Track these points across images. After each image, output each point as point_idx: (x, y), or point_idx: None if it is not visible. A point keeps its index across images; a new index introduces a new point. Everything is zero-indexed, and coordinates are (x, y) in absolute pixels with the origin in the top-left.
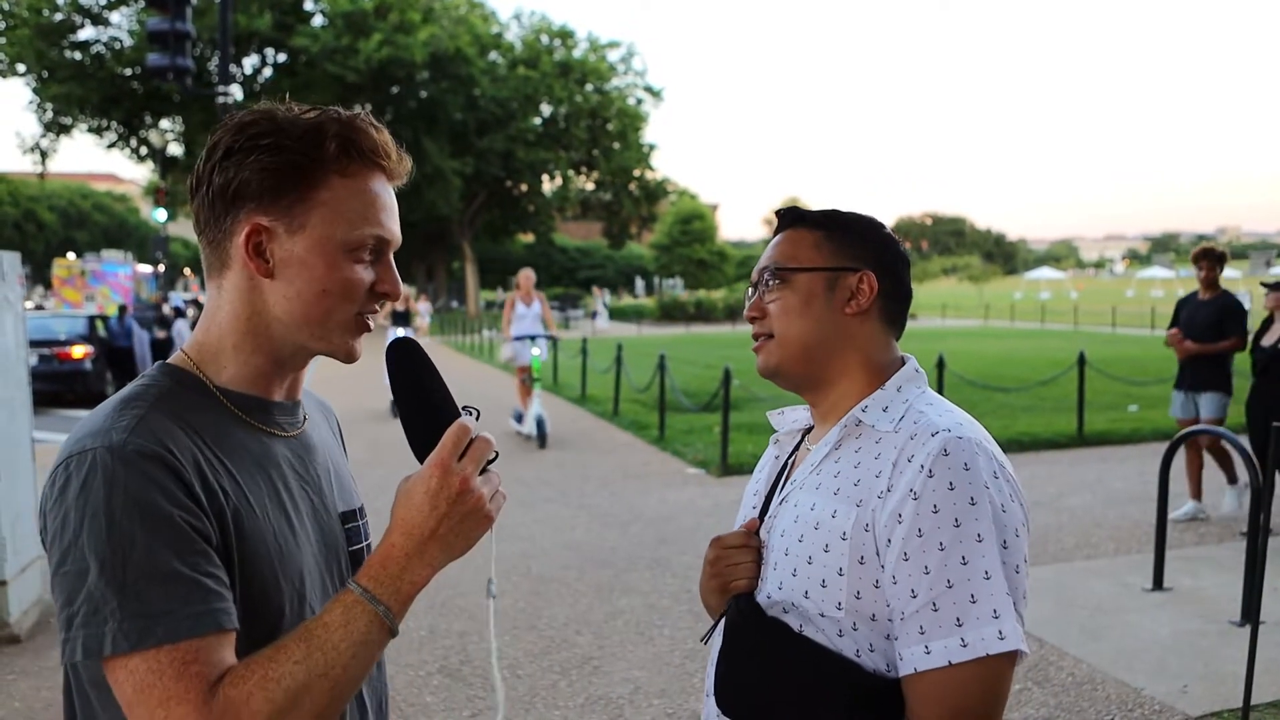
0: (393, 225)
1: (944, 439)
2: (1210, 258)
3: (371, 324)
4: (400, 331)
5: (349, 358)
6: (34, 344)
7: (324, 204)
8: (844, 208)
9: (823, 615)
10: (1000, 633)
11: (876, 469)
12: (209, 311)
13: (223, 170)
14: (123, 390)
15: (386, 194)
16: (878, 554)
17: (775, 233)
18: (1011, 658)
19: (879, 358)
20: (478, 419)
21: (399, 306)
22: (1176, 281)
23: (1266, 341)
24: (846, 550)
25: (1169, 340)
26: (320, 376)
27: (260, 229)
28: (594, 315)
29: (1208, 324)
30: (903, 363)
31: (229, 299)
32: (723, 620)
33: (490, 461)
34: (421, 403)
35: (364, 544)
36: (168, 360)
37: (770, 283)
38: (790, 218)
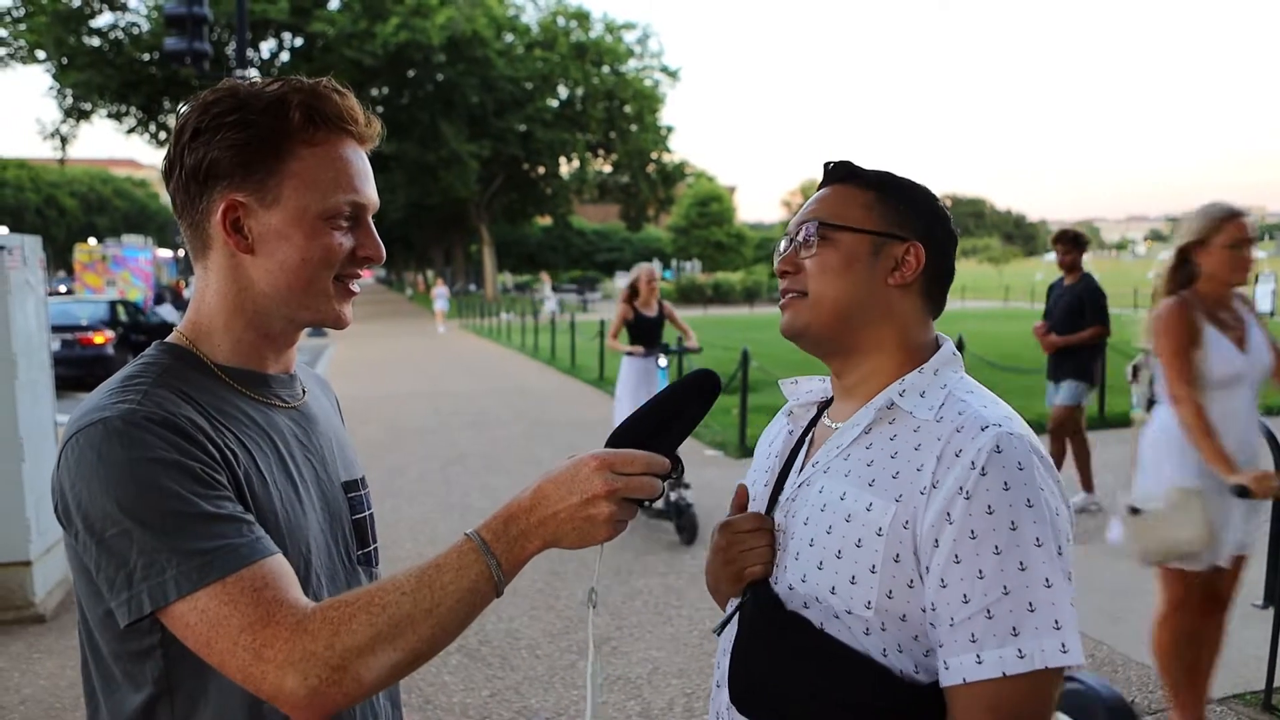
0: (367, 189)
1: (995, 434)
2: (1066, 240)
3: (356, 288)
4: (662, 361)
5: (338, 323)
6: (56, 329)
7: (295, 175)
8: (899, 171)
9: (849, 612)
10: (1063, 646)
11: (918, 461)
12: (198, 292)
13: (193, 151)
14: (123, 369)
15: (358, 159)
16: (915, 553)
17: (822, 185)
18: (1063, 669)
19: (916, 336)
20: (677, 474)
21: (648, 312)
22: None
23: None
24: (881, 547)
25: (1035, 333)
26: (345, 361)
27: (236, 205)
28: (541, 301)
29: (1068, 311)
30: (938, 344)
31: (215, 278)
32: (737, 611)
33: (642, 502)
34: (656, 422)
35: (366, 513)
36: (165, 340)
37: (810, 238)
38: (841, 172)
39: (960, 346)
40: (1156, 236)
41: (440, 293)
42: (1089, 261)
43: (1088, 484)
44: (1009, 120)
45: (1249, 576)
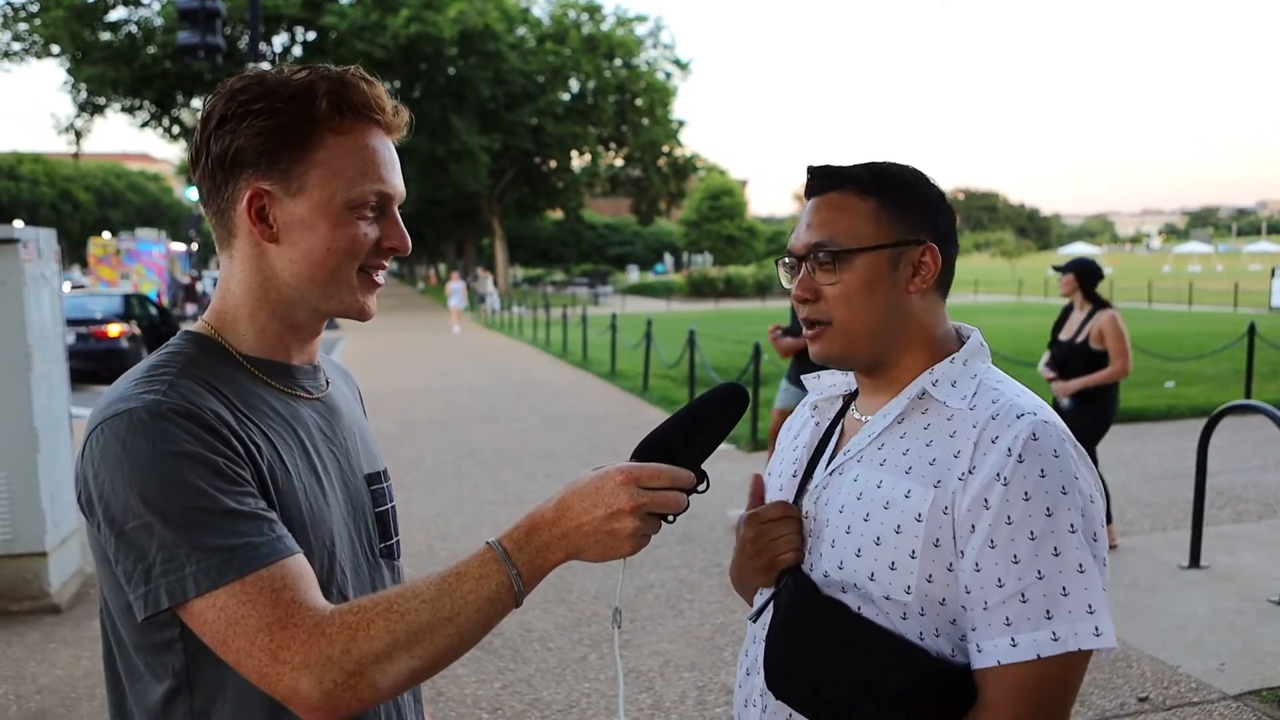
0: (394, 179)
1: (1031, 423)
2: None
3: (380, 279)
4: None
5: (362, 315)
6: (71, 322)
7: (321, 164)
8: (880, 158)
9: (888, 598)
10: (1097, 629)
11: (954, 448)
12: (223, 281)
13: (219, 139)
14: (148, 358)
15: (385, 148)
16: (954, 538)
17: (811, 193)
18: (1091, 651)
19: (936, 329)
20: (702, 488)
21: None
22: (1214, 257)
23: (1065, 335)
24: (921, 532)
25: (770, 337)
26: (357, 354)
27: (261, 194)
28: (482, 299)
29: None
30: (959, 332)
31: (239, 267)
32: (773, 598)
33: (666, 517)
34: (682, 435)
35: (389, 506)
36: (190, 328)
37: (826, 262)
38: (833, 179)
39: None
40: (1171, 230)
41: (456, 288)
42: (1105, 255)
43: None
44: (1023, 114)
45: (1265, 573)
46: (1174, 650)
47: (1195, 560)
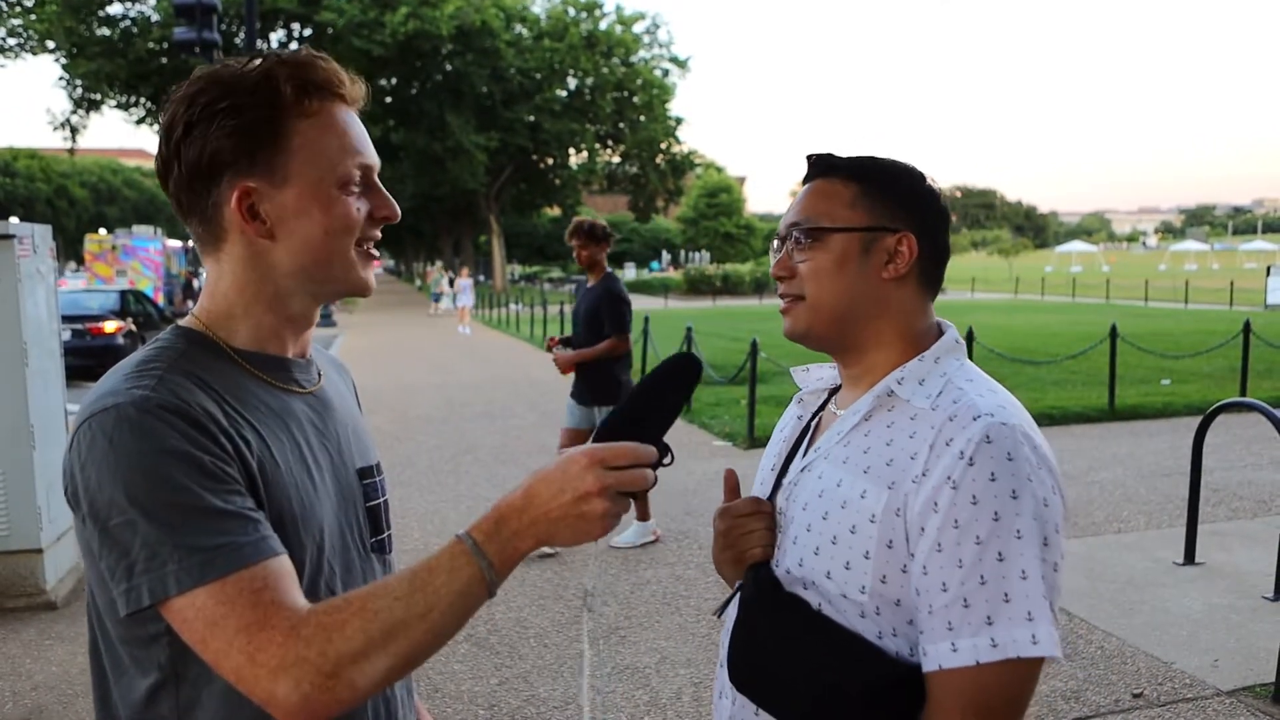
0: (369, 150)
1: (986, 424)
2: (580, 234)
3: (375, 252)
4: None
5: (364, 290)
6: (67, 319)
7: (300, 149)
8: (881, 155)
9: (844, 597)
10: (1034, 637)
11: (911, 450)
12: (211, 282)
13: (189, 146)
14: (138, 352)
15: (354, 122)
16: (907, 540)
17: (805, 181)
18: (1040, 661)
19: (915, 325)
20: (667, 461)
21: None
22: (1211, 255)
23: None
24: (875, 534)
25: (549, 347)
26: (355, 350)
27: (249, 191)
28: (436, 298)
29: (585, 317)
30: (940, 330)
31: (230, 268)
32: (738, 592)
33: (634, 494)
34: (641, 411)
35: (380, 500)
36: (181, 323)
37: (800, 240)
38: (822, 166)
39: (970, 338)
40: (1168, 229)
41: (464, 285)
42: (1102, 253)
43: (645, 512)
44: (1020, 111)
45: (1259, 569)
46: (1168, 646)
47: (1190, 557)
